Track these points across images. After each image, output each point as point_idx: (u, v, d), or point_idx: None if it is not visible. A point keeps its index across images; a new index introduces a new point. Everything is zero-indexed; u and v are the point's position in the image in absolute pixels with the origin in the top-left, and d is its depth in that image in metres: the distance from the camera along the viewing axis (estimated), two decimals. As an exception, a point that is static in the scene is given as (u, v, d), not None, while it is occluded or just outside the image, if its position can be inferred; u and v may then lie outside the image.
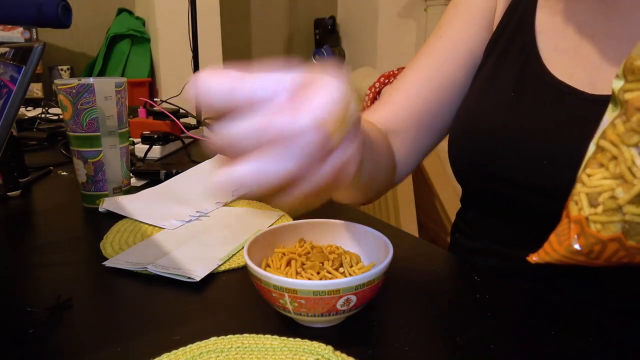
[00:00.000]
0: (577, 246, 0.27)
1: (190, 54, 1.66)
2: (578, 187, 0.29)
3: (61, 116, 0.98)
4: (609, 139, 0.27)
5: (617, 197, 0.25)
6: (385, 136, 0.60)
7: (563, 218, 0.30)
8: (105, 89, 0.68)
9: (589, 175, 0.28)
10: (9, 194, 0.76)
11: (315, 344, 0.38)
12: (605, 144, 0.27)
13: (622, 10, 0.50)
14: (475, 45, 0.61)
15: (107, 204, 0.68)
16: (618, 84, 0.27)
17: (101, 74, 2.44)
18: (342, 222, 0.48)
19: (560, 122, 0.49)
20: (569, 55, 0.52)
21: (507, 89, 0.54)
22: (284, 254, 0.45)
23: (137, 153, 1.01)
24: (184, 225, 0.63)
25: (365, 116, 0.62)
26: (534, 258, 0.31)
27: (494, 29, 0.60)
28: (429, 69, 0.62)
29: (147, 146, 1.01)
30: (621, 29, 0.49)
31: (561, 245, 0.29)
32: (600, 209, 0.26)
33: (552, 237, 0.30)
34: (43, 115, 1.46)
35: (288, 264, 0.43)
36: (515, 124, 0.52)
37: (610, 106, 0.28)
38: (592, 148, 0.29)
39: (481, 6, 0.61)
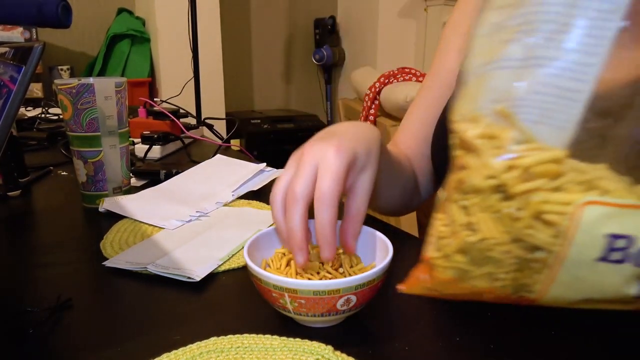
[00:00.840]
0: (427, 284, 0.28)
1: (190, 54, 1.66)
2: (431, 229, 0.29)
3: (61, 116, 0.98)
4: (447, 189, 0.27)
5: (448, 246, 0.26)
6: (407, 157, 0.67)
7: (420, 258, 0.31)
8: (105, 89, 0.68)
9: (436, 220, 0.28)
10: (9, 194, 0.76)
11: (315, 344, 0.38)
12: (442, 195, 0.27)
13: None
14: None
15: (107, 204, 0.68)
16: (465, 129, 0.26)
17: (101, 74, 2.44)
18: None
19: None
20: None
21: None
22: (284, 254, 0.45)
23: (137, 153, 1.02)
24: (184, 225, 0.63)
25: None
26: (402, 288, 0.32)
27: None
28: (428, 103, 0.68)
29: (147, 146, 1.01)
30: None
31: (418, 281, 0.30)
32: (440, 253, 0.26)
33: (413, 272, 0.30)
34: (43, 115, 1.46)
35: (288, 264, 0.43)
36: None
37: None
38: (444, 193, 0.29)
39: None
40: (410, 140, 0.68)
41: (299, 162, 0.42)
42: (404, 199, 0.65)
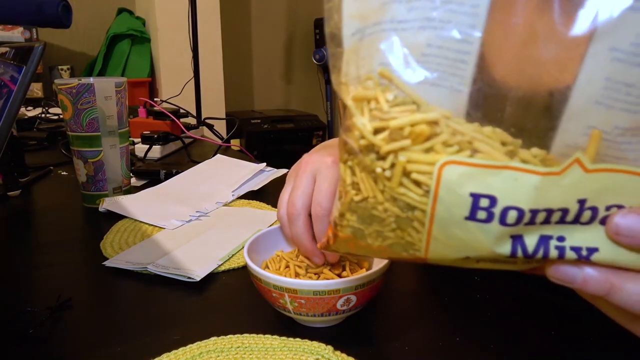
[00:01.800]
0: (332, 243, 0.29)
1: (190, 54, 1.66)
2: None
3: (61, 116, 0.98)
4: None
5: (342, 205, 0.27)
6: None
7: None
8: (105, 89, 0.68)
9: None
10: (9, 194, 0.76)
11: (315, 344, 0.38)
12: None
13: None
14: None
15: (107, 204, 0.68)
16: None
17: (101, 74, 2.44)
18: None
19: None
20: None
21: None
22: (282, 257, 0.45)
23: (137, 153, 1.02)
24: (184, 225, 0.63)
25: None
26: (319, 245, 0.33)
27: None
28: None
29: (147, 146, 1.01)
30: None
31: (326, 240, 0.30)
32: (337, 212, 0.27)
33: (327, 233, 0.31)
34: (43, 115, 1.46)
35: (287, 266, 0.43)
36: None
37: None
38: None
39: None
40: None
41: (297, 174, 0.44)
42: None
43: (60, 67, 2.44)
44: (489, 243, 0.23)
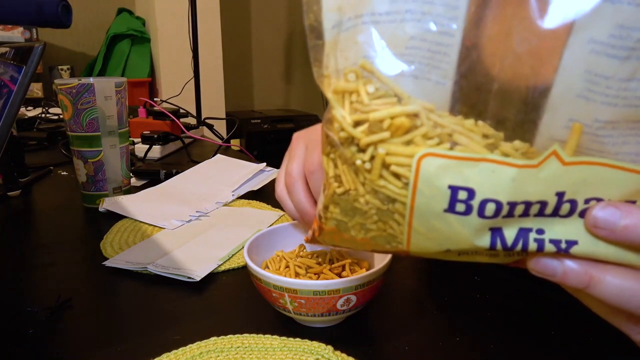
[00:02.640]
0: (317, 235, 0.29)
1: (190, 54, 1.66)
2: None
3: (61, 116, 0.98)
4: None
5: (325, 198, 0.27)
6: None
7: None
8: (105, 89, 0.68)
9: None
10: (9, 194, 0.76)
11: (315, 344, 0.38)
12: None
13: None
14: None
15: (107, 204, 0.68)
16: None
17: (101, 74, 2.44)
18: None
19: None
20: None
21: None
22: (283, 257, 0.45)
23: (137, 153, 1.02)
24: (184, 225, 0.63)
25: None
26: (305, 240, 0.33)
27: None
28: None
29: (147, 146, 1.01)
30: None
31: (313, 233, 0.30)
32: (321, 205, 0.27)
33: (312, 226, 0.31)
34: (43, 115, 1.46)
35: (287, 266, 0.43)
36: None
37: None
38: None
39: None
40: None
41: (289, 151, 0.44)
42: None
43: (60, 67, 2.44)
44: (469, 236, 0.23)
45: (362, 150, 0.23)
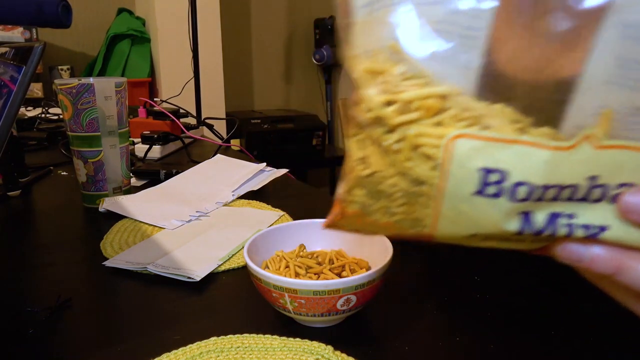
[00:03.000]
0: (339, 220, 0.28)
1: (190, 54, 1.66)
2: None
3: (61, 116, 0.98)
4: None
5: (349, 180, 0.26)
6: None
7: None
8: (105, 89, 0.68)
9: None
10: (9, 194, 0.76)
11: (315, 344, 0.38)
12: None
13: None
14: None
15: (107, 204, 0.68)
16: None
17: (101, 74, 2.43)
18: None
19: None
20: None
21: None
22: (283, 257, 0.45)
23: (137, 153, 1.02)
24: (184, 225, 0.63)
25: None
26: (323, 225, 0.31)
27: None
28: None
29: (147, 146, 1.01)
30: None
31: (332, 216, 0.29)
32: (345, 188, 0.26)
33: (331, 210, 0.30)
34: (43, 115, 1.46)
35: (287, 266, 0.43)
36: None
37: None
38: None
39: None
40: None
41: None
42: None
43: (60, 67, 2.44)
44: (498, 219, 0.23)
45: (391, 131, 0.23)
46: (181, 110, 1.17)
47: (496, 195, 0.22)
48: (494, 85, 0.23)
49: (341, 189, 0.27)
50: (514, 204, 0.22)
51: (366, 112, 0.23)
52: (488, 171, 0.22)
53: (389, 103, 0.23)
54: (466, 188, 0.22)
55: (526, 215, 0.23)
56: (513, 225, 0.23)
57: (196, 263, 0.51)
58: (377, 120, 0.23)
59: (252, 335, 0.39)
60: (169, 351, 0.37)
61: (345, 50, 0.25)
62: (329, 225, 0.30)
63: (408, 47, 0.23)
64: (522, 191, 0.22)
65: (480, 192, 0.22)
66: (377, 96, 0.23)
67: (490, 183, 0.22)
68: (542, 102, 0.22)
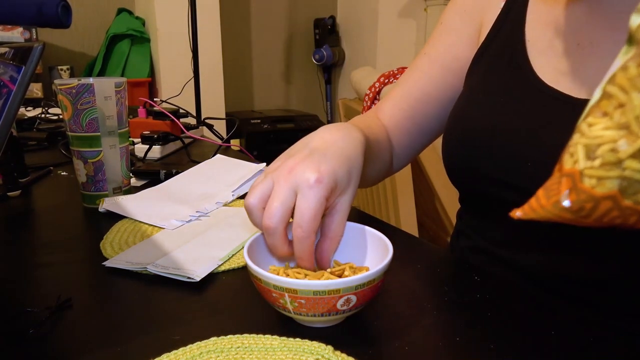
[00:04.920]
0: (566, 202, 0.25)
1: (190, 54, 1.66)
2: (576, 137, 0.25)
3: (61, 116, 0.98)
4: (618, 84, 0.24)
5: (618, 150, 0.23)
6: (386, 133, 0.67)
7: (555, 172, 0.27)
8: (105, 89, 0.68)
9: (589, 125, 0.25)
10: (9, 194, 0.76)
11: (315, 344, 0.38)
12: (612, 90, 0.24)
13: (606, 21, 0.51)
14: (457, 64, 0.65)
15: (107, 204, 0.68)
16: (637, 20, 0.23)
17: (101, 74, 2.44)
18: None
19: (546, 125, 0.50)
20: (556, 62, 0.54)
21: (497, 94, 0.56)
22: (277, 272, 0.44)
23: (137, 153, 1.01)
24: (184, 225, 0.63)
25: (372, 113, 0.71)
26: (517, 213, 0.28)
27: (480, 42, 0.62)
28: (411, 85, 0.69)
29: (147, 146, 1.01)
30: (605, 37, 0.51)
31: (549, 200, 0.26)
32: (597, 162, 0.23)
33: (540, 192, 0.27)
34: (43, 115, 1.46)
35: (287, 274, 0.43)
36: (503, 126, 0.54)
37: (624, 47, 0.24)
38: (597, 94, 0.25)
39: (463, 25, 0.65)
40: (393, 111, 0.69)
41: (277, 177, 0.42)
42: (378, 175, 0.68)
43: (59, 67, 2.44)
44: None
45: None
46: (181, 110, 1.17)
47: None
48: None
49: (583, 164, 0.23)
50: None
51: None
52: None
53: None
54: None
55: None
56: None
57: (196, 263, 0.51)
58: None
59: (252, 335, 0.39)
60: (169, 351, 0.37)
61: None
62: (524, 215, 0.26)
63: None
64: None
65: None
66: None
67: None
68: None
